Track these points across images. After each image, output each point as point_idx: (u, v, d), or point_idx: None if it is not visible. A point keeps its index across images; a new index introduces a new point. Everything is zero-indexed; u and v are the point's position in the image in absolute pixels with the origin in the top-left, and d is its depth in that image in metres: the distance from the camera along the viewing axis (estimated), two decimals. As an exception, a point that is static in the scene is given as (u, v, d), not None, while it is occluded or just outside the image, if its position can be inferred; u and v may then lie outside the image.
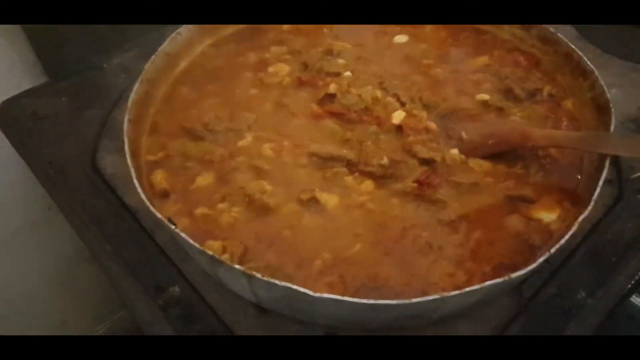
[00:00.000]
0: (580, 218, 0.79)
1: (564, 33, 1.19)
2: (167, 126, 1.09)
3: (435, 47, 1.25)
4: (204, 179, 0.97)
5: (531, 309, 0.86)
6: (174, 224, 0.83)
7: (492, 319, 0.86)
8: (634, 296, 1.46)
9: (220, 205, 0.93)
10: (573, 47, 1.10)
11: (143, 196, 0.86)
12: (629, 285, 0.91)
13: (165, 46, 1.17)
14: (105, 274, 0.98)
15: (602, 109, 0.98)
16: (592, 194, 0.84)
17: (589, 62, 1.06)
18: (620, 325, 1.49)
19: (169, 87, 1.18)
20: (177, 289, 0.93)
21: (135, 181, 0.88)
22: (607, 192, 1.04)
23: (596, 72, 1.03)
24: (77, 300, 1.85)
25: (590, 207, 0.80)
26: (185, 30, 1.22)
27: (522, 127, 0.97)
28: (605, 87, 1.00)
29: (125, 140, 0.96)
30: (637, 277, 0.91)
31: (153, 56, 1.13)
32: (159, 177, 0.98)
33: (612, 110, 0.95)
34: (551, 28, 1.15)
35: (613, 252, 0.95)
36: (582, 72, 1.07)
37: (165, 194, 0.96)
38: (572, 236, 0.95)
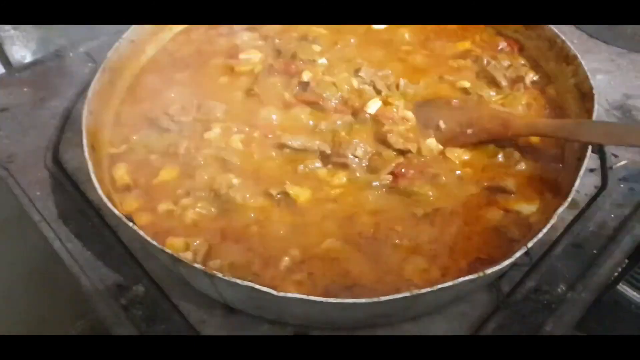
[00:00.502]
0: (559, 210, 0.75)
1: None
2: (131, 117, 1.04)
3: (415, 33, 1.20)
4: (168, 173, 0.93)
5: (509, 304, 0.83)
6: (132, 221, 0.79)
7: (469, 316, 0.82)
8: (620, 284, 1.44)
9: (185, 201, 0.88)
10: (556, 31, 1.05)
11: (100, 192, 0.81)
12: (611, 278, 0.88)
13: (130, 33, 1.11)
14: (68, 273, 0.93)
15: (585, 95, 0.95)
16: (572, 186, 0.80)
17: (572, 47, 1.01)
18: (606, 313, 1.48)
19: (134, 77, 1.12)
20: (141, 287, 0.88)
21: (93, 176, 0.83)
22: (590, 181, 1.00)
23: (579, 57, 0.99)
24: (55, 298, 1.80)
25: (569, 199, 0.77)
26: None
27: (502, 116, 0.93)
28: (588, 73, 0.96)
29: (84, 133, 0.91)
30: (619, 270, 0.88)
31: (116, 44, 1.08)
32: (121, 172, 0.93)
33: (595, 97, 0.91)
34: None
35: (595, 244, 0.91)
36: (566, 58, 1.02)
37: (127, 189, 0.92)
38: (553, 228, 0.92)
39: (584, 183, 0.99)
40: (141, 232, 0.76)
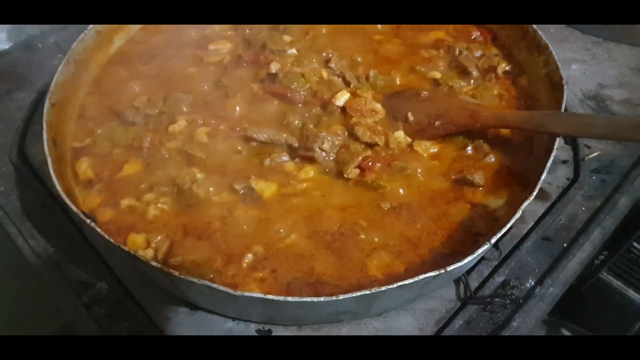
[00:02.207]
0: (524, 205, 0.74)
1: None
2: (96, 110, 1.01)
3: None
4: (132, 167, 0.91)
5: (476, 300, 0.82)
6: (90, 218, 0.77)
7: (435, 312, 0.82)
8: (604, 273, 1.45)
9: (147, 196, 0.86)
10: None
11: (59, 188, 0.79)
12: (584, 270, 0.87)
13: (96, 25, 1.08)
14: (30, 270, 0.91)
15: (555, 86, 0.93)
16: (541, 176, 0.79)
17: (543, 37, 1.00)
18: (591, 302, 1.48)
19: (101, 68, 1.10)
20: (104, 285, 0.87)
21: (52, 172, 0.81)
22: (563, 173, 0.99)
23: (550, 47, 0.97)
24: (34, 297, 1.78)
25: (534, 193, 0.75)
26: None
27: (470, 107, 0.91)
28: (559, 63, 0.94)
29: (45, 127, 0.89)
30: (596, 262, 0.87)
31: (82, 35, 1.05)
32: (84, 166, 0.91)
33: (565, 87, 0.90)
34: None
35: (565, 237, 0.91)
36: (537, 47, 1.01)
37: (90, 184, 0.89)
38: (523, 222, 0.91)
39: (556, 175, 0.99)
40: (99, 230, 0.74)
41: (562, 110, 0.87)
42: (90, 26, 1.07)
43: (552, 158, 0.80)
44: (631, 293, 1.44)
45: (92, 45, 1.07)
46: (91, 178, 0.89)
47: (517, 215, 0.74)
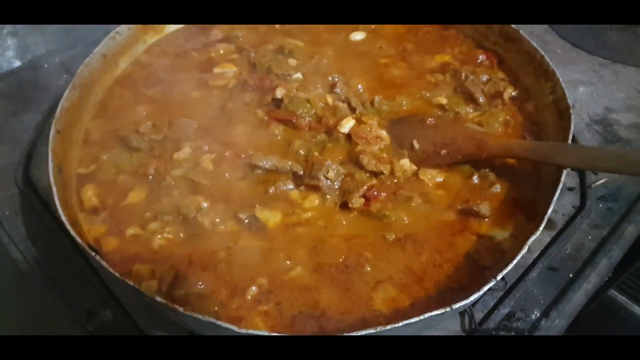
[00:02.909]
0: (530, 240, 0.74)
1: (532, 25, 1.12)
2: (101, 135, 1.02)
3: (394, 44, 1.18)
4: (137, 195, 0.91)
5: (481, 332, 0.81)
6: (95, 251, 0.77)
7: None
8: (614, 291, 1.44)
9: (152, 225, 0.86)
10: (535, 46, 1.03)
11: (64, 218, 0.79)
12: (584, 304, 0.87)
13: (102, 47, 1.08)
14: (32, 297, 0.91)
15: (562, 114, 0.93)
16: (547, 210, 0.78)
17: (550, 63, 0.99)
18: (596, 317, 1.47)
19: (106, 91, 1.10)
20: (109, 313, 0.87)
21: (58, 203, 0.81)
22: (569, 200, 0.99)
23: (558, 74, 0.97)
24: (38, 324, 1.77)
25: (540, 229, 0.75)
26: (124, 30, 1.13)
27: (477, 136, 0.91)
28: (565, 91, 0.93)
29: (50, 155, 0.89)
30: (592, 295, 0.87)
31: (87, 59, 1.05)
32: (89, 193, 0.91)
33: (572, 116, 0.89)
34: (514, 25, 1.08)
35: (571, 267, 0.90)
36: (544, 73, 1.00)
37: (95, 212, 0.89)
38: (529, 251, 0.90)
39: (562, 203, 0.98)
40: (104, 263, 0.74)
41: (570, 138, 0.87)
42: (96, 50, 1.07)
43: (559, 191, 0.79)
44: (636, 308, 1.44)
45: (98, 68, 1.08)
46: (96, 206, 0.90)
47: (524, 251, 0.73)
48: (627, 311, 1.44)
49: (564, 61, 1.27)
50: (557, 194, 0.79)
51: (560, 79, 0.96)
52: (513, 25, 1.07)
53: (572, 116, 0.89)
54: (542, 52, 1.01)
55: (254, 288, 0.78)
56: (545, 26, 1.36)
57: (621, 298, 1.45)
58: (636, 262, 1.23)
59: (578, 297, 0.86)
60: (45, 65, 1.30)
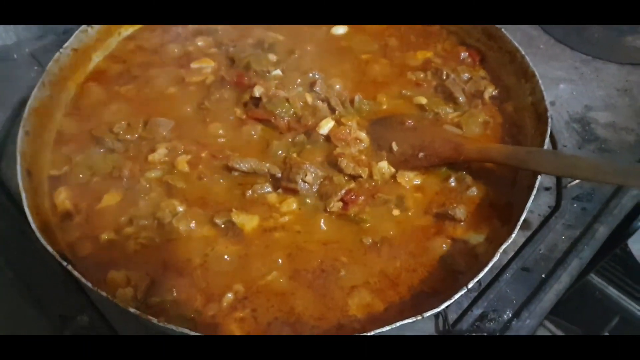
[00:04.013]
0: (502, 247, 0.75)
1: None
2: (74, 135, 0.99)
3: (376, 38, 1.16)
4: (111, 198, 0.89)
5: (454, 334, 0.83)
6: (67, 261, 0.76)
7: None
8: (591, 274, 1.48)
9: (127, 230, 0.85)
10: (517, 46, 1.02)
11: (34, 226, 0.78)
12: (554, 303, 0.89)
13: (73, 41, 1.05)
14: (5, 302, 0.90)
15: (540, 117, 0.93)
16: (521, 214, 0.79)
17: (531, 64, 0.99)
18: (573, 299, 1.52)
19: (78, 88, 1.07)
20: (85, 317, 0.86)
21: (27, 209, 0.80)
22: (544, 201, 1.00)
23: (537, 76, 0.96)
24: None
25: (513, 235, 0.76)
26: (96, 24, 1.10)
27: (455, 140, 0.90)
28: (544, 94, 0.93)
29: (19, 157, 0.87)
30: (563, 294, 0.89)
31: (57, 54, 1.02)
32: (62, 196, 0.90)
33: (550, 121, 0.90)
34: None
35: (544, 268, 0.92)
36: (525, 73, 1.00)
37: (68, 216, 0.88)
38: (504, 252, 0.91)
39: (538, 203, 0.99)
40: (76, 273, 0.73)
41: (545, 143, 0.87)
42: (67, 44, 1.04)
43: (532, 197, 0.80)
44: (611, 290, 1.49)
45: (69, 64, 1.04)
46: (69, 210, 0.88)
47: (496, 258, 0.75)
48: (603, 292, 1.49)
49: (547, 56, 1.26)
50: (530, 201, 0.80)
51: (540, 81, 0.95)
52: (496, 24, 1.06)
53: (550, 119, 0.90)
54: (523, 52, 1.01)
55: (229, 295, 0.78)
56: (529, 20, 1.35)
57: (597, 280, 1.50)
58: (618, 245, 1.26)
59: (549, 297, 0.88)
60: (15, 56, 1.26)
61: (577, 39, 1.31)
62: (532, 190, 0.81)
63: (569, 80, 1.21)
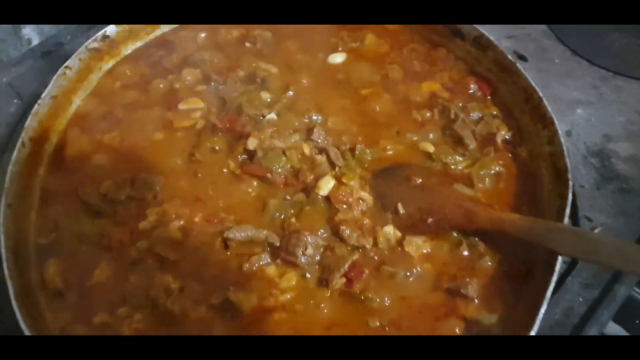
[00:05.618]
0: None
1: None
2: (60, 194, 0.93)
3: (377, 67, 1.06)
4: (102, 272, 0.84)
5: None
6: None
7: None
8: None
9: (121, 311, 0.81)
10: (533, 85, 0.93)
11: (23, 325, 0.73)
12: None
13: (51, 88, 0.97)
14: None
15: (560, 175, 0.85)
16: (538, 310, 0.73)
17: (549, 108, 0.90)
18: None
19: (61, 135, 0.99)
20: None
21: (17, 309, 0.74)
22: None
23: (556, 124, 0.88)
24: None
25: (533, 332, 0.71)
26: (75, 62, 1.01)
27: (466, 206, 0.84)
28: (564, 147, 0.85)
29: (3, 237, 0.81)
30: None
31: (35, 107, 0.94)
32: (51, 271, 0.84)
33: (570, 182, 0.82)
34: (510, 56, 0.96)
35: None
36: (542, 118, 0.91)
37: (59, 295, 0.83)
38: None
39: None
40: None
41: (566, 216, 0.80)
42: (45, 93, 0.96)
43: (552, 284, 0.74)
44: None
45: (49, 114, 0.97)
46: (60, 288, 0.83)
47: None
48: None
49: (562, 73, 1.16)
50: (550, 289, 0.74)
51: (559, 131, 0.87)
52: (509, 56, 0.96)
53: (570, 183, 0.82)
54: (541, 94, 0.92)
55: (229, 386, 0.75)
56: (544, 27, 1.24)
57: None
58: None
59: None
60: (-10, 88, 1.17)
61: (595, 49, 1.20)
62: (551, 276, 0.75)
63: (587, 103, 1.12)
